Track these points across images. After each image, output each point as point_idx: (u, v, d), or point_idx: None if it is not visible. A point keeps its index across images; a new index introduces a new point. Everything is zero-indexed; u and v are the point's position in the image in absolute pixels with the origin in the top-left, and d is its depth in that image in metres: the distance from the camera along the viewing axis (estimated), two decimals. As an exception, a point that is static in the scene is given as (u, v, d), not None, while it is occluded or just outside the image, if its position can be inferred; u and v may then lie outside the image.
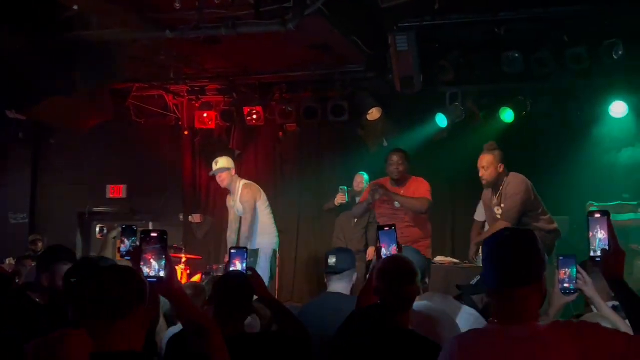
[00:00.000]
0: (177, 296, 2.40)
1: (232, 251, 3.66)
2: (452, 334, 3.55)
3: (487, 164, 6.42)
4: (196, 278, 7.84)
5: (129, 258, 3.93)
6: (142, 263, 2.35)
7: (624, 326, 2.79)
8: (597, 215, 2.53)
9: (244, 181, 7.69)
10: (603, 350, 2.13)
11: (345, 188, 8.36)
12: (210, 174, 7.70)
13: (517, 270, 2.26)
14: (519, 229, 2.42)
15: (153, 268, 2.34)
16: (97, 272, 2.38)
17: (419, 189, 6.82)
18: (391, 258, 3.36)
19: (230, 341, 2.63)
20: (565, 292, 3.03)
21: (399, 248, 3.65)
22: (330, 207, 8.63)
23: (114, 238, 5.43)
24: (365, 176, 8.61)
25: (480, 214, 7.63)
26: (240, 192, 7.56)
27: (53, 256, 3.99)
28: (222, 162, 7.54)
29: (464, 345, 2.27)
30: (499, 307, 2.29)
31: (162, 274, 2.34)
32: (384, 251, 3.56)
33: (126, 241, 3.94)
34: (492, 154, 6.45)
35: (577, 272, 3.02)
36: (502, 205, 6.40)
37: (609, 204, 7.43)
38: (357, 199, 8.60)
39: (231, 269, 3.57)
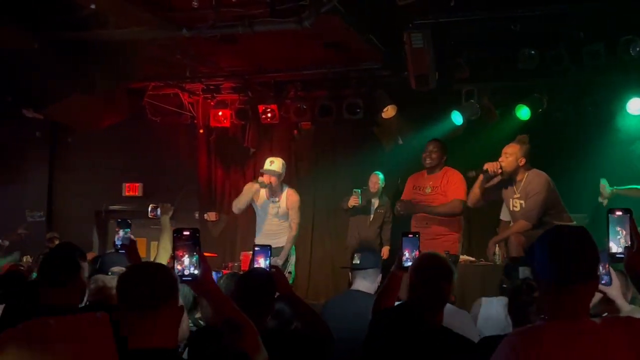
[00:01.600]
0: (213, 294, 2.42)
1: (256, 248, 3.67)
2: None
3: (510, 153, 6.44)
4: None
5: (124, 252, 3.98)
6: (174, 260, 2.37)
7: None
8: (619, 213, 2.51)
9: (288, 186, 7.78)
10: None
11: (359, 191, 8.35)
12: (262, 170, 7.67)
13: (582, 266, 2.26)
14: (576, 226, 2.39)
15: (185, 264, 2.35)
16: (129, 266, 2.42)
17: (452, 182, 6.84)
18: (428, 255, 3.35)
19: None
20: None
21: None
22: (344, 208, 8.65)
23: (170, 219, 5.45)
24: (381, 175, 8.61)
25: (506, 214, 7.63)
26: (287, 196, 7.62)
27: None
28: (277, 165, 7.54)
29: (527, 341, 2.23)
30: (556, 303, 2.27)
31: (196, 272, 2.35)
32: (406, 257, 3.56)
33: (120, 232, 3.97)
34: (519, 145, 6.48)
35: (606, 271, 3.01)
36: (522, 202, 6.37)
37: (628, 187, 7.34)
38: (373, 200, 8.61)
39: (255, 266, 3.59)
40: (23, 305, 3.96)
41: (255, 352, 2.41)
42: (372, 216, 8.64)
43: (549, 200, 6.31)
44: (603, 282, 2.99)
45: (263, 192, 7.70)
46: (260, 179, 7.54)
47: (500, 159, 6.43)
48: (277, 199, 7.65)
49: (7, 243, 8.55)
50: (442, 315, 3.16)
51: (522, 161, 6.40)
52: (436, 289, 3.12)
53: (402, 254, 3.52)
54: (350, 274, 4.49)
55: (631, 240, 2.45)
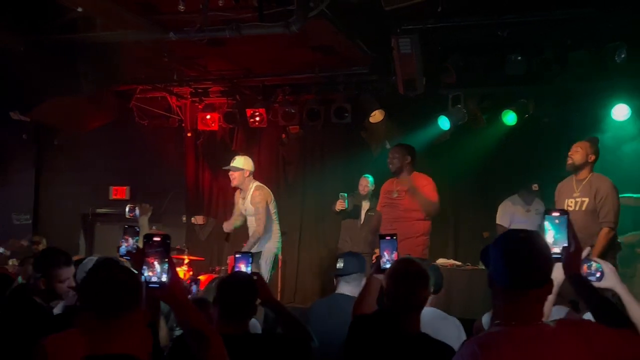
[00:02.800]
0: (179, 302, 2.36)
1: (237, 255, 3.68)
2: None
3: (581, 148, 6.41)
4: (202, 278, 7.86)
5: (129, 258, 3.96)
6: (144, 266, 2.32)
7: None
8: (556, 214, 2.55)
9: (256, 183, 7.66)
10: (607, 346, 2.22)
11: (346, 195, 8.37)
12: (224, 168, 7.67)
13: (537, 271, 2.28)
14: (531, 231, 2.42)
15: (156, 272, 2.31)
16: (93, 269, 2.38)
17: (424, 185, 6.82)
18: (403, 260, 3.34)
19: (234, 340, 2.64)
20: None
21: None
22: (333, 211, 8.68)
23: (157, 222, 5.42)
24: (370, 178, 8.63)
25: (504, 219, 7.66)
26: (251, 193, 7.54)
27: (49, 260, 3.99)
28: (238, 161, 7.52)
29: (486, 347, 2.25)
30: (512, 308, 2.28)
31: (164, 278, 2.30)
32: (385, 259, 3.55)
33: (130, 240, 3.94)
34: (590, 142, 6.47)
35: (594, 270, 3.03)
36: (585, 199, 6.36)
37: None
38: (364, 204, 8.62)
39: (236, 271, 3.60)
40: (11, 308, 3.96)
41: None
42: (362, 219, 8.65)
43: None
44: (594, 279, 3.01)
45: (237, 193, 7.71)
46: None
47: (570, 153, 6.42)
48: (243, 196, 7.62)
49: (8, 253, 8.49)
50: (418, 320, 3.15)
51: (592, 158, 6.35)
52: (411, 294, 3.11)
53: (382, 256, 3.51)
54: (334, 279, 4.48)
55: (569, 241, 2.48)
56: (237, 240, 7.92)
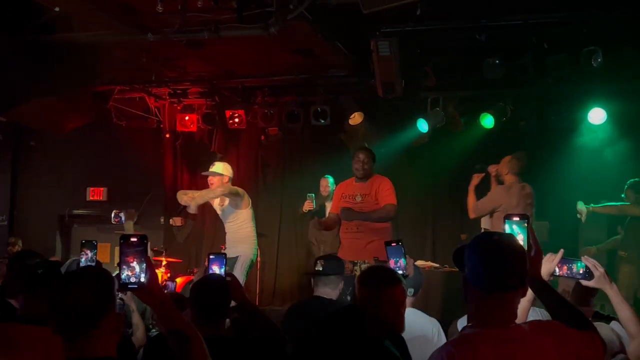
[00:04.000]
0: (158, 302, 2.34)
1: (211, 257, 3.66)
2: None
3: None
4: (180, 280, 7.82)
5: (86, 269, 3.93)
6: (123, 266, 2.28)
7: None
8: (516, 219, 2.57)
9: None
10: (574, 347, 2.28)
11: (313, 195, 8.40)
12: (203, 173, 7.61)
13: (514, 274, 2.29)
14: (505, 234, 2.44)
15: (135, 272, 2.30)
16: (66, 280, 2.36)
17: (383, 189, 6.67)
18: (371, 266, 3.38)
19: (208, 342, 2.63)
20: None
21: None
22: (300, 213, 8.75)
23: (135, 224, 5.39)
24: (330, 179, 8.71)
25: (487, 223, 7.72)
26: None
27: (23, 262, 3.95)
28: (218, 167, 7.44)
29: (462, 348, 2.26)
30: (487, 310, 2.29)
31: (143, 278, 2.28)
32: (391, 266, 3.56)
33: (89, 253, 3.92)
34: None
35: (585, 271, 3.06)
36: None
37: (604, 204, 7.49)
38: (326, 204, 8.65)
39: (210, 273, 3.59)
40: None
41: None
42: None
43: None
44: (580, 277, 3.05)
45: (216, 204, 7.63)
46: None
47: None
48: (223, 204, 7.56)
49: None
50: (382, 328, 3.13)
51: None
52: (380, 297, 3.11)
53: (389, 263, 3.52)
54: (312, 280, 4.48)
55: (528, 245, 2.50)
56: (214, 240, 7.90)
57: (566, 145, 8.32)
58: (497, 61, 7.40)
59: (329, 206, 8.63)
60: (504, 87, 8.05)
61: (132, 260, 2.29)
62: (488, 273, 2.29)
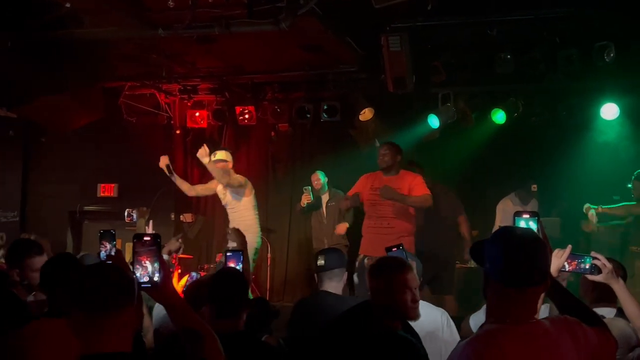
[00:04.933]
0: (172, 302, 2.35)
1: (228, 253, 3.67)
2: None
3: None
4: (183, 281, 7.83)
5: (110, 262, 3.93)
6: (136, 266, 2.29)
7: None
8: (526, 216, 2.57)
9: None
10: (588, 343, 2.28)
11: (309, 188, 8.55)
12: (209, 166, 7.67)
13: (536, 269, 2.27)
14: (526, 228, 2.41)
15: (147, 271, 2.28)
16: (85, 267, 2.35)
17: (417, 184, 6.80)
18: (379, 258, 3.36)
19: (226, 338, 2.63)
20: None
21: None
22: (299, 209, 8.90)
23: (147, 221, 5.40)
24: (321, 174, 8.87)
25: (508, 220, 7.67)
26: (234, 176, 7.65)
27: (22, 250, 3.96)
28: (221, 154, 7.62)
29: (489, 346, 2.23)
30: (510, 306, 2.26)
31: (156, 278, 2.28)
32: None
33: (107, 245, 3.91)
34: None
35: (591, 266, 3.05)
36: None
37: (611, 206, 7.45)
38: (322, 197, 8.73)
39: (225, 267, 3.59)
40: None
41: None
42: (325, 211, 8.82)
43: None
44: (587, 272, 3.05)
45: (220, 191, 7.72)
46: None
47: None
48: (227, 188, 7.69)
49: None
50: (396, 319, 3.14)
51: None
52: (388, 282, 3.12)
53: None
54: (316, 276, 4.46)
55: None
56: (225, 236, 7.88)
57: (578, 141, 8.26)
58: (508, 56, 7.37)
59: (325, 198, 8.73)
60: (515, 82, 8.00)
61: (145, 259, 2.29)
62: (511, 267, 2.25)
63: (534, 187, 8.06)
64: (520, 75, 7.55)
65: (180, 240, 4.92)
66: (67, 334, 2.13)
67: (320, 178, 8.84)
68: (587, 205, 7.45)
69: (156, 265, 2.29)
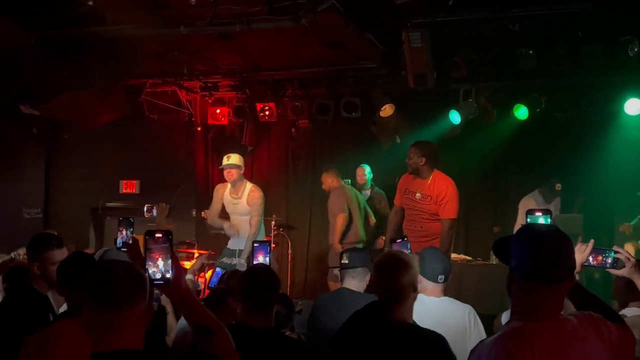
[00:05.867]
0: (184, 299, 2.35)
1: (256, 245, 3.67)
2: None
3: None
4: (208, 275, 7.87)
5: (125, 250, 3.95)
6: (148, 262, 2.29)
7: None
8: (539, 213, 2.59)
9: (250, 183, 7.70)
10: (612, 338, 2.27)
11: (349, 181, 8.44)
12: (220, 167, 7.67)
13: (563, 264, 2.25)
14: (552, 225, 2.40)
15: (159, 268, 2.27)
16: (97, 262, 2.36)
17: (444, 199, 6.51)
18: (385, 253, 3.37)
19: (260, 334, 2.64)
20: None
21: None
22: None
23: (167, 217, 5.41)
24: (367, 168, 8.70)
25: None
26: (248, 192, 7.50)
27: (41, 243, 3.97)
28: (235, 159, 7.52)
29: (519, 345, 2.21)
30: (536, 302, 2.25)
31: (168, 275, 2.27)
32: None
33: (124, 232, 3.91)
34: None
35: (612, 261, 3.04)
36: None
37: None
38: (363, 192, 8.64)
39: (254, 262, 3.59)
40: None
41: (227, 357, 2.35)
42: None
43: None
44: (608, 267, 3.03)
45: (227, 195, 7.65)
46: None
47: None
48: (237, 195, 7.60)
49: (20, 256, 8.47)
50: (405, 309, 3.15)
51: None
52: (391, 283, 3.12)
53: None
54: (339, 273, 4.49)
55: None
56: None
57: (602, 136, 8.16)
58: (531, 51, 7.31)
59: (364, 193, 8.64)
60: (538, 77, 7.92)
61: (157, 256, 2.29)
62: (539, 264, 2.23)
63: (558, 186, 7.99)
64: (543, 70, 7.49)
65: (204, 262, 4.91)
66: (84, 333, 2.14)
67: (365, 173, 8.68)
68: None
69: (168, 262, 2.28)
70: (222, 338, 2.34)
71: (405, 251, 3.60)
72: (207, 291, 5.85)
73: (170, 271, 2.28)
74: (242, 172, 7.59)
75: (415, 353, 3.02)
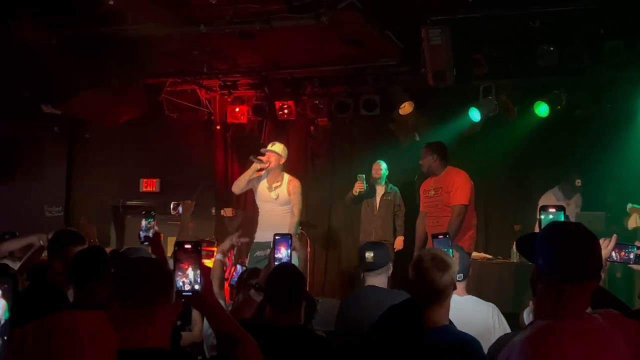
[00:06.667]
0: (211, 310, 2.35)
1: (277, 237, 3.64)
2: None
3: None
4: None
5: (147, 243, 3.96)
6: (178, 273, 2.26)
7: None
8: (552, 210, 2.59)
9: (288, 175, 7.67)
10: (633, 335, 2.25)
11: (364, 175, 8.40)
12: (263, 150, 7.61)
13: (591, 262, 2.24)
14: (577, 222, 2.37)
15: (189, 279, 2.25)
16: (122, 259, 2.37)
17: (453, 185, 6.81)
18: (424, 250, 3.32)
19: (289, 332, 2.63)
20: None
21: None
22: (350, 197, 8.65)
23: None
24: (383, 164, 8.70)
25: None
26: (288, 181, 7.46)
27: (63, 240, 3.97)
28: (278, 147, 7.48)
29: (546, 345, 2.19)
30: (563, 301, 2.22)
31: (197, 287, 2.25)
32: None
33: (143, 222, 3.91)
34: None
35: (635, 255, 3.02)
36: None
37: None
38: (378, 189, 8.64)
39: (276, 254, 3.57)
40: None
41: None
42: (378, 204, 8.67)
43: None
44: (631, 262, 3.02)
45: (263, 185, 7.61)
46: (258, 159, 7.37)
47: None
48: (277, 184, 7.55)
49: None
50: (442, 310, 3.08)
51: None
52: (428, 284, 3.04)
53: None
54: (361, 272, 4.44)
55: None
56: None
57: (623, 133, 8.09)
58: (551, 48, 7.25)
59: (380, 190, 8.65)
60: (559, 74, 7.87)
61: (186, 267, 2.26)
62: (567, 262, 2.21)
63: (578, 182, 7.93)
64: (564, 67, 7.42)
65: (234, 238, 4.89)
66: (104, 326, 2.15)
67: (381, 168, 8.67)
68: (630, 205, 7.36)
69: (197, 272, 2.26)
70: (247, 346, 2.33)
71: (446, 248, 3.52)
72: (227, 288, 5.85)
73: (199, 282, 2.26)
74: (282, 161, 7.51)
75: (451, 356, 2.98)
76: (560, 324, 2.21)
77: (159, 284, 2.21)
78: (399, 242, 8.46)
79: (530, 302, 4.06)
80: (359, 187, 8.38)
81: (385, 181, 8.74)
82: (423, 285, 3.06)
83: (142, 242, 3.89)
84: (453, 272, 3.13)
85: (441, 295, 3.06)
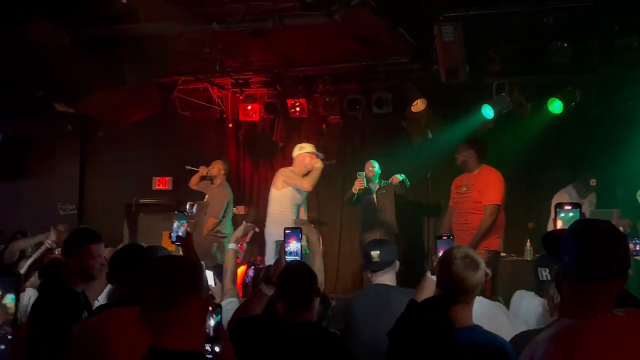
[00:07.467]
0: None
1: (287, 231, 3.66)
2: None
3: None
4: (241, 269, 7.90)
5: (179, 244, 3.98)
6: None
7: None
8: (568, 207, 2.62)
9: None
10: None
11: (364, 173, 8.39)
12: (309, 151, 7.77)
13: (620, 261, 2.21)
14: (604, 220, 2.34)
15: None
16: (152, 257, 2.36)
17: (486, 185, 6.97)
18: (455, 248, 3.22)
19: (302, 328, 2.63)
20: None
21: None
22: (349, 196, 8.64)
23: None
24: (375, 163, 8.69)
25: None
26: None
27: (80, 238, 3.97)
28: (309, 147, 7.80)
29: (575, 342, 2.17)
30: (589, 300, 2.20)
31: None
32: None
33: (175, 223, 3.93)
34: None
35: None
36: None
37: None
38: (372, 187, 8.63)
39: (286, 248, 3.59)
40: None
41: None
42: (376, 200, 8.66)
43: None
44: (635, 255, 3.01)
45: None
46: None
47: None
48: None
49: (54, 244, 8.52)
50: (467, 310, 3.05)
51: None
52: (463, 280, 3.00)
53: (437, 256, 3.41)
54: (368, 271, 4.39)
55: None
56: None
57: (638, 131, 8.03)
58: (565, 45, 7.20)
59: (375, 186, 8.65)
60: (573, 71, 7.81)
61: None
62: (596, 262, 2.18)
63: (593, 182, 7.88)
64: (577, 64, 7.37)
65: (247, 225, 4.90)
66: (137, 323, 2.15)
67: (374, 166, 8.69)
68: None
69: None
70: (226, 347, 2.34)
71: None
72: (240, 287, 5.85)
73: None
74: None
75: (482, 357, 2.95)
76: (586, 323, 2.18)
77: (182, 285, 2.15)
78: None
79: (525, 290, 4.04)
80: (359, 184, 8.38)
81: (379, 181, 8.74)
82: (453, 283, 3.02)
83: (173, 242, 3.93)
84: (482, 271, 3.09)
85: (470, 295, 3.04)
